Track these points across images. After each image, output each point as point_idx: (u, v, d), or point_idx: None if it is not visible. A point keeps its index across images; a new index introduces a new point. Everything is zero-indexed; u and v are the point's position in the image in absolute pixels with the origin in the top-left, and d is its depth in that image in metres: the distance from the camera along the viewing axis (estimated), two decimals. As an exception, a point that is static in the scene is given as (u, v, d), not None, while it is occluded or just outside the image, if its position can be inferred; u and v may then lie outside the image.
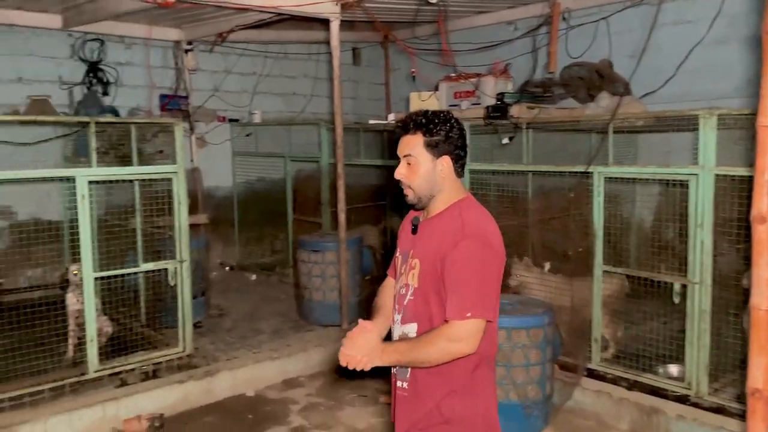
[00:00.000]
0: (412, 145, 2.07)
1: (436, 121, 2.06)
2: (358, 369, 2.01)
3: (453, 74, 5.53)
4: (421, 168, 2.06)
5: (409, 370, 2.11)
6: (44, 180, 5.32)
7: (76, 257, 4.49)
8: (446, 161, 2.07)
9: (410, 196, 2.12)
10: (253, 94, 8.24)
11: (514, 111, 4.78)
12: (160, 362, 4.73)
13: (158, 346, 4.89)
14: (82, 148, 5.81)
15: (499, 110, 4.77)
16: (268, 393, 4.87)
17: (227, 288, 7.06)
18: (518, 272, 4.89)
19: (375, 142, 7.22)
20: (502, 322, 3.90)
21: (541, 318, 4.02)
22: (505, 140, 4.87)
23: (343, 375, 4.58)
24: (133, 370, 4.58)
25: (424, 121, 2.07)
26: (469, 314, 1.93)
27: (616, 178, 4.52)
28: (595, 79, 5.51)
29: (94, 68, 6.82)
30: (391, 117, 6.02)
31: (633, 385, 4.28)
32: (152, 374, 4.64)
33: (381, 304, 2.33)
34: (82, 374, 4.35)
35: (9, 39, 6.36)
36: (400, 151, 2.11)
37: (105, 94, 6.87)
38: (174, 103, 7.42)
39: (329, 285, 5.75)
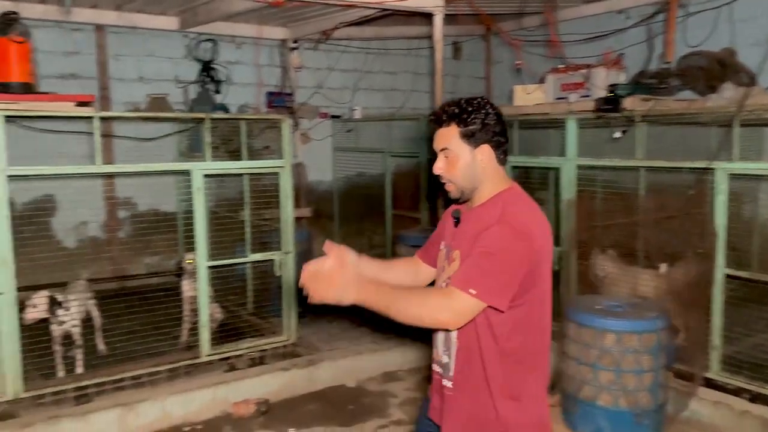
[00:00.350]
0: (448, 137, 1.98)
1: (470, 109, 1.96)
2: (325, 302, 1.86)
3: (561, 66, 5.34)
4: (459, 161, 1.98)
5: (454, 368, 2.03)
6: (162, 173, 5.65)
7: (190, 247, 4.74)
8: (486, 150, 1.98)
9: (453, 191, 2.04)
10: (354, 90, 8.35)
11: (628, 103, 4.54)
12: (266, 349, 4.90)
13: (264, 334, 5.07)
14: (196, 144, 6.12)
15: (611, 102, 4.55)
16: (368, 385, 4.93)
17: (327, 280, 7.20)
18: (603, 264, 4.70)
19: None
20: (611, 324, 3.79)
21: (653, 322, 3.81)
22: (617, 134, 4.64)
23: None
24: (241, 355, 4.78)
25: (457, 111, 1.96)
26: (473, 291, 1.81)
27: (740, 174, 4.19)
28: (716, 70, 5.14)
29: (207, 67, 7.15)
30: (494, 111, 5.90)
31: (756, 398, 3.97)
32: (258, 360, 4.82)
33: (387, 263, 2.32)
34: (196, 358, 4.59)
35: (132, 41, 6.80)
36: (436, 145, 2.02)
37: (217, 92, 7.19)
38: (279, 101, 7.65)
39: (428, 280, 5.73)
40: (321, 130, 8.17)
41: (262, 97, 7.60)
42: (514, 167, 5.49)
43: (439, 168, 2.02)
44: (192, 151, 6.35)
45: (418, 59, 8.69)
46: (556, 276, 5.13)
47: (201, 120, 4.77)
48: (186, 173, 4.61)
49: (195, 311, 4.70)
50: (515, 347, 1.95)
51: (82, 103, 4.25)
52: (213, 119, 4.82)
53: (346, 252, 2.02)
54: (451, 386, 2.05)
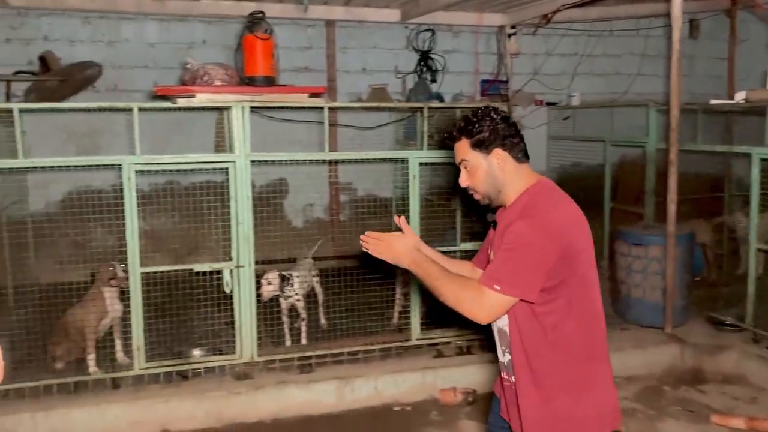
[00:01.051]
0: (463, 150, 2.15)
1: (475, 119, 2.11)
2: (380, 257, 2.13)
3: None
4: (478, 170, 2.13)
5: (514, 364, 2.11)
6: (380, 161, 5.90)
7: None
8: (499, 154, 2.10)
9: (480, 199, 2.20)
10: (572, 75, 7.93)
11: None
12: (473, 339, 4.86)
13: (470, 325, 5.03)
14: (411, 132, 6.28)
15: None
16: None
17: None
18: None
19: (715, 125, 6.33)
20: None
21: None
22: None
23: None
24: (448, 343, 4.81)
25: (463, 124, 2.13)
26: (497, 287, 1.95)
27: None
28: None
29: (424, 57, 7.30)
30: (740, 96, 5.18)
31: None
32: (466, 350, 4.81)
33: (449, 259, 2.41)
34: (406, 340, 4.72)
35: (358, 34, 7.19)
36: (456, 160, 2.19)
37: (433, 81, 7.32)
38: (494, 88, 7.55)
39: (651, 283, 5.25)
40: (535, 118, 7.90)
41: (477, 85, 7.56)
42: (764, 160, 4.78)
43: (463, 180, 2.19)
44: (407, 140, 6.54)
45: (647, 40, 7.98)
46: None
47: (419, 109, 4.85)
48: (403, 161, 4.73)
49: (406, 295, 4.83)
50: (566, 337, 2.04)
51: (314, 94, 4.57)
52: (430, 108, 4.88)
53: (410, 230, 2.23)
54: (513, 381, 2.15)
